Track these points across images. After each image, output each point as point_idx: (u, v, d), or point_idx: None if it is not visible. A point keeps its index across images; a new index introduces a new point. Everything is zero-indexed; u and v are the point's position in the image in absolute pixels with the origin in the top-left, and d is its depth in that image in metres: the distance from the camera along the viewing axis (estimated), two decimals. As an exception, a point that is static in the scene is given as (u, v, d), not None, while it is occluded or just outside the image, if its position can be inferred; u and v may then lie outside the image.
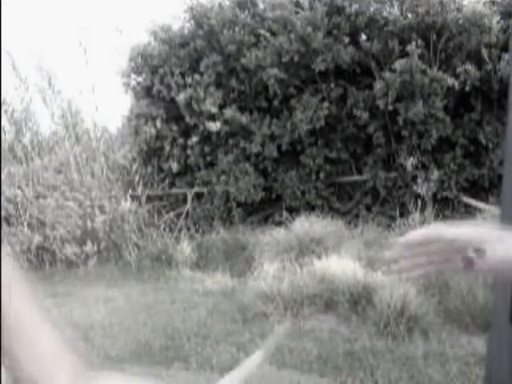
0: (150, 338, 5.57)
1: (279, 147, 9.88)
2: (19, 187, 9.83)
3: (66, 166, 10.12)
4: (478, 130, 9.72)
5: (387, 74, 9.30)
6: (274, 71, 9.61)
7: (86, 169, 10.09)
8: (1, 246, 0.89)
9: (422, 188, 9.27)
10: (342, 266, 6.67)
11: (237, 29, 9.98)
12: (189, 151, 10.35)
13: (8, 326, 0.96)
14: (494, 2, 9.96)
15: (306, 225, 8.34)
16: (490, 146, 9.64)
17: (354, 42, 9.87)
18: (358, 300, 5.90)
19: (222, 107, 9.95)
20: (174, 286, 7.57)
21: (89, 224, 9.33)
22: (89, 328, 5.94)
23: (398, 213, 8.91)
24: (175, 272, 8.28)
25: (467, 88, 9.42)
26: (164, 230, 9.52)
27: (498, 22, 9.51)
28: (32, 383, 0.95)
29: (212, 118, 9.95)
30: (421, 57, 9.32)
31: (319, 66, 9.54)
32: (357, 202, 10.04)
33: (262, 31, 9.94)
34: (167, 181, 10.66)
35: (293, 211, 9.53)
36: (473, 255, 1.15)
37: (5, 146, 10.77)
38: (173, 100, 10.31)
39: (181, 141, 10.41)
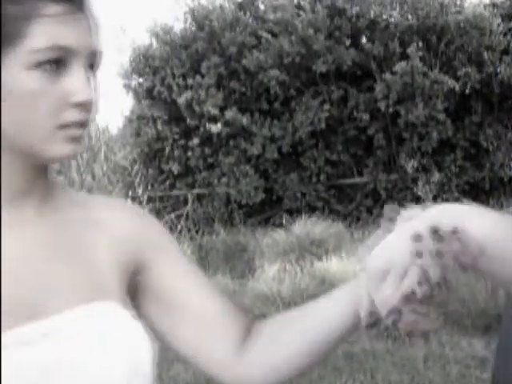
0: (150, 339, 5.56)
1: (280, 149, 9.88)
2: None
3: (66, 167, 10.12)
4: (479, 133, 9.73)
5: (388, 76, 9.31)
6: (275, 73, 9.61)
7: (87, 170, 10.09)
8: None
9: (422, 190, 9.27)
10: (343, 267, 6.68)
11: (238, 30, 9.98)
12: (189, 153, 10.35)
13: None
14: (494, 5, 9.97)
15: (306, 227, 8.34)
16: (491, 148, 9.64)
17: (355, 44, 9.88)
18: (359, 302, 5.89)
19: (222, 109, 9.95)
20: (175, 288, 7.55)
21: (89, 225, 9.32)
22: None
23: (398, 215, 8.90)
24: (175, 273, 8.26)
25: (468, 90, 9.42)
26: (164, 231, 9.51)
27: (499, 25, 9.52)
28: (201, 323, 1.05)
29: (213, 119, 9.95)
30: (422, 59, 9.33)
31: (320, 67, 9.54)
32: (357, 204, 10.04)
33: (263, 33, 9.95)
34: (168, 182, 10.66)
35: (293, 213, 9.52)
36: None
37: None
38: (174, 101, 10.31)
39: (182, 142, 10.41)
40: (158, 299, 1.05)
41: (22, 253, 0.93)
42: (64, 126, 0.91)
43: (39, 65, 0.88)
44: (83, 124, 0.94)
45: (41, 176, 0.98)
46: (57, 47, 0.88)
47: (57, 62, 0.89)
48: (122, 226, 1.05)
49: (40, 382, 0.87)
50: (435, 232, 0.84)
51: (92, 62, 0.94)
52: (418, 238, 0.85)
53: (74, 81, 0.91)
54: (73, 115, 0.92)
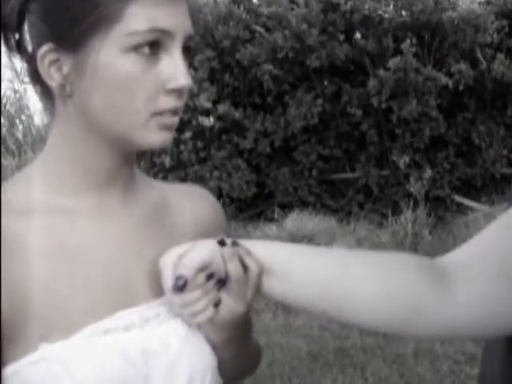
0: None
1: (272, 143, 9.88)
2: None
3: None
4: (472, 130, 9.75)
5: (381, 72, 9.31)
6: (269, 67, 9.60)
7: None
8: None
9: (414, 186, 9.29)
10: (334, 263, 6.67)
11: (231, 24, 9.96)
12: (182, 146, 10.33)
13: None
14: (489, 2, 9.98)
15: (298, 221, 8.35)
16: (483, 145, 9.66)
17: (349, 39, 9.87)
18: (349, 297, 5.89)
19: (215, 103, 9.93)
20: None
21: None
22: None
23: (390, 211, 8.92)
24: (167, 267, 8.25)
25: (461, 87, 9.43)
26: (156, 224, 9.49)
27: (493, 22, 9.53)
28: None
29: (206, 113, 9.93)
30: (415, 55, 9.33)
31: (314, 62, 9.53)
32: (349, 199, 10.05)
33: (257, 27, 9.93)
34: (160, 176, 10.63)
35: (285, 208, 9.53)
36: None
37: (-3, 138, 10.72)
38: (166, 95, 10.28)
39: (174, 136, 10.38)
40: None
41: (112, 239, 0.92)
42: (158, 113, 0.88)
43: (136, 48, 0.84)
44: (177, 111, 0.91)
45: (127, 163, 0.95)
46: (155, 29, 0.84)
47: (154, 46, 0.85)
48: (200, 215, 1.05)
49: (141, 365, 0.87)
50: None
51: (188, 46, 0.91)
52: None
53: (172, 65, 0.89)
54: (168, 102, 0.89)
